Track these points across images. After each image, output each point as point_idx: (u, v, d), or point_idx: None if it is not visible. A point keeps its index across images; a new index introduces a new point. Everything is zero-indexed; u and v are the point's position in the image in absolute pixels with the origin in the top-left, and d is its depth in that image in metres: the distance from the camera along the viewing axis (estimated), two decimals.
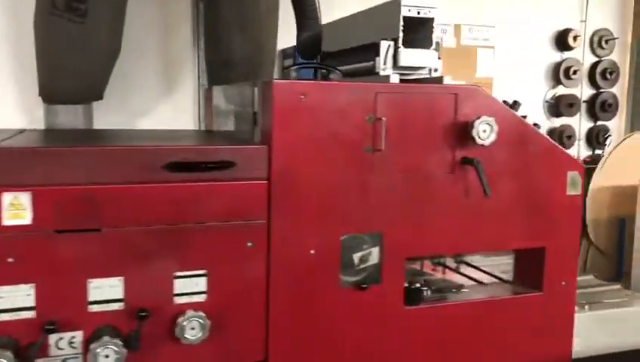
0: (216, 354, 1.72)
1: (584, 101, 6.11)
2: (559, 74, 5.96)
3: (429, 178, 1.90)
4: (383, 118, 1.81)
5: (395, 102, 1.85)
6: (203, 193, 1.67)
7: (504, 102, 2.08)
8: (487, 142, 1.89)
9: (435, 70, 2.08)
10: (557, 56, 5.65)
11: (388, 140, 1.83)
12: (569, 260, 2.14)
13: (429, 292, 2.05)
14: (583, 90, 6.15)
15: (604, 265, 5.30)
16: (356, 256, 1.86)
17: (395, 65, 2.01)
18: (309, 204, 1.77)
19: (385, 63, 2.01)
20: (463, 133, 1.89)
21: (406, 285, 1.94)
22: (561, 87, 5.95)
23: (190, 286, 1.68)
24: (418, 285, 1.97)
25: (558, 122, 6.03)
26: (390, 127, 1.83)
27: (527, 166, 2.02)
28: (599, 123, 6.17)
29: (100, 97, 2.73)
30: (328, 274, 1.82)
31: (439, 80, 2.04)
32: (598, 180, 5.16)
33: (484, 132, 1.88)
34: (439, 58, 2.06)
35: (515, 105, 2.19)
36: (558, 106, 5.93)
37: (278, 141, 1.73)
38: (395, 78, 2.03)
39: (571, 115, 6.02)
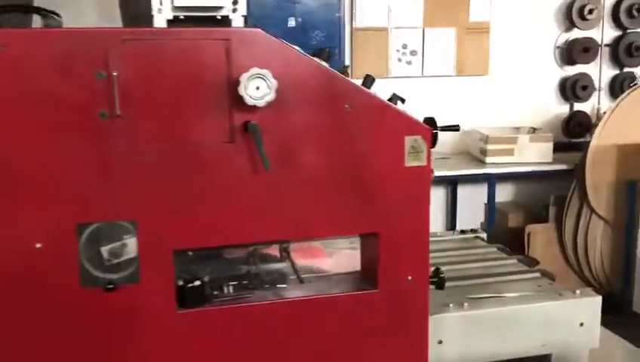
0: None
1: (606, 45, 5.31)
2: (572, 14, 5.18)
3: (198, 149, 1.48)
4: (115, 73, 1.40)
5: (141, 53, 1.42)
6: None
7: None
8: (261, 103, 1.44)
9: (234, 10, 1.64)
10: None
11: (133, 103, 1.42)
12: (416, 249, 1.67)
13: (230, 289, 1.66)
14: (605, 33, 5.35)
15: (609, 236, 4.65)
16: (105, 250, 1.49)
17: (173, 5, 1.58)
18: (26, 188, 1.41)
19: (161, 3, 1.59)
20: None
21: (181, 283, 1.56)
22: (575, 30, 5.18)
23: None
24: (198, 283, 1.58)
25: (571, 70, 5.28)
26: (135, 86, 1.42)
27: (344, 131, 1.56)
28: (626, 70, 5.35)
29: None
30: (63, 272, 1.46)
31: (226, 22, 1.59)
32: (601, 139, 4.46)
33: (258, 89, 1.43)
34: None
35: (367, 81, 1.72)
36: (571, 52, 5.16)
37: None
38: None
39: (587, 61, 5.24)
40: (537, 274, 2.16)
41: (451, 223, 5.14)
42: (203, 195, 1.51)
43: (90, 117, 1.42)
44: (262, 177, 1.52)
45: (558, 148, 4.64)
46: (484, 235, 2.67)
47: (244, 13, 1.66)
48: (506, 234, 4.77)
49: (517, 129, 4.86)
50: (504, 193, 5.11)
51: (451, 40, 4.87)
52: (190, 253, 1.65)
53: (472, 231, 2.71)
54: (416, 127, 1.61)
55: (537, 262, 2.35)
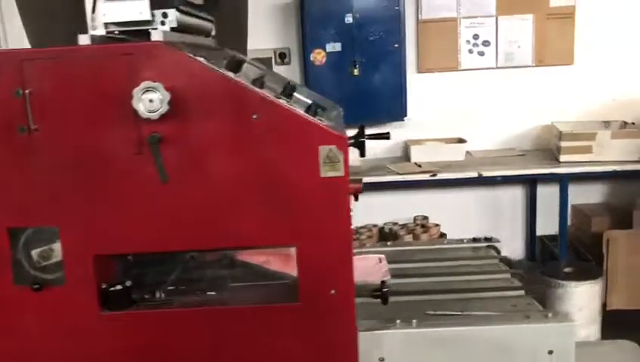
0: None
1: None
2: None
3: (109, 161, 1.55)
4: (27, 91, 1.51)
5: (52, 71, 1.52)
6: None
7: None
8: (155, 115, 1.46)
9: (163, 23, 1.67)
10: None
11: (49, 118, 1.53)
12: (338, 262, 1.61)
13: (161, 294, 1.72)
14: None
15: None
16: (35, 253, 1.62)
17: (103, 22, 1.65)
18: None
19: (94, 20, 1.68)
20: None
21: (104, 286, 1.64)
22: None
23: None
24: (128, 284, 1.65)
25: None
26: (48, 102, 1.52)
27: (252, 141, 1.54)
28: None
29: None
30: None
31: (145, 35, 1.63)
32: None
33: (151, 102, 1.46)
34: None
35: (287, 89, 1.68)
36: None
37: None
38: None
39: None
40: (522, 293, 1.96)
41: (530, 227, 4.79)
42: (117, 205, 1.58)
43: (12, 132, 1.55)
44: (171, 187, 1.55)
45: None
46: (498, 245, 2.46)
47: (174, 25, 1.69)
48: (587, 240, 4.36)
49: (606, 123, 4.40)
50: (590, 194, 4.66)
51: (528, 28, 4.51)
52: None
53: (487, 239, 2.52)
54: (331, 136, 1.54)
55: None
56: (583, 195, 4.65)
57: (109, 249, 1.63)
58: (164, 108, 1.47)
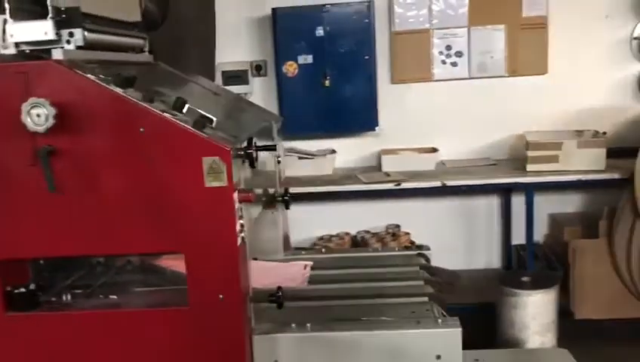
0: None
1: None
2: None
3: (6, 171, 1.67)
4: None
5: None
6: None
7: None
8: (42, 129, 1.57)
9: (69, 42, 1.77)
10: None
11: None
12: (225, 268, 1.69)
13: (68, 297, 1.82)
14: None
15: None
16: None
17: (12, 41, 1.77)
18: None
19: (3, 40, 1.79)
20: None
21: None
22: None
23: None
24: (32, 287, 1.75)
25: None
26: None
27: (140, 154, 1.63)
28: None
29: None
30: None
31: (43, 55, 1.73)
32: None
33: (39, 116, 1.57)
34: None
35: (177, 103, 1.76)
36: None
37: None
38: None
39: None
40: (425, 299, 2.01)
41: (505, 236, 4.80)
42: (15, 212, 1.69)
43: None
44: (64, 197, 1.66)
45: (621, 153, 4.12)
46: (428, 253, 2.51)
47: (81, 44, 1.78)
48: (559, 249, 4.36)
49: (580, 132, 4.40)
50: (566, 203, 4.65)
51: (501, 38, 4.54)
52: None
53: (418, 247, 2.57)
54: (214, 148, 1.63)
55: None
56: (559, 204, 4.65)
57: (8, 254, 1.73)
58: (50, 122, 1.57)
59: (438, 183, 4.03)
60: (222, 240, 1.67)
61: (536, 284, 3.44)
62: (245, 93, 4.69)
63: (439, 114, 4.66)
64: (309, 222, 4.79)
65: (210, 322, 1.71)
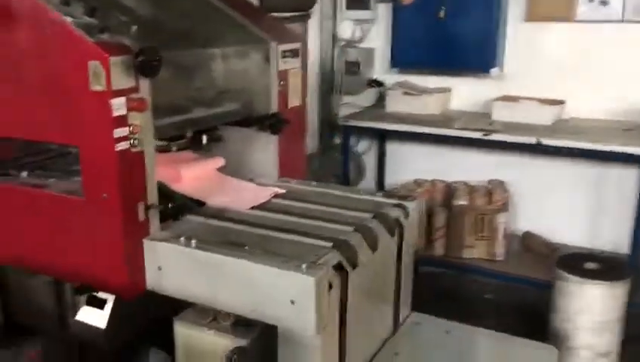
0: None
1: None
2: None
3: None
4: None
5: None
6: None
7: None
8: None
9: None
10: None
11: None
12: (105, 168, 1.79)
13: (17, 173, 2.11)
14: None
15: None
16: None
17: None
18: None
19: None
20: None
21: None
22: None
23: None
24: None
25: None
26: None
27: (46, 52, 1.79)
28: None
29: None
30: None
31: None
32: None
33: None
34: None
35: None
36: None
37: None
38: None
39: None
40: (329, 245, 1.87)
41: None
42: None
43: None
44: None
45: None
46: (411, 204, 2.29)
47: None
48: None
49: None
50: None
51: None
52: None
53: (401, 197, 2.36)
54: (96, 52, 1.70)
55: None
56: None
57: None
58: None
59: (555, 142, 3.54)
60: (100, 143, 1.77)
61: (599, 274, 2.87)
62: (367, 20, 4.57)
63: (575, 63, 3.99)
64: (406, 163, 4.61)
65: (98, 217, 1.85)
